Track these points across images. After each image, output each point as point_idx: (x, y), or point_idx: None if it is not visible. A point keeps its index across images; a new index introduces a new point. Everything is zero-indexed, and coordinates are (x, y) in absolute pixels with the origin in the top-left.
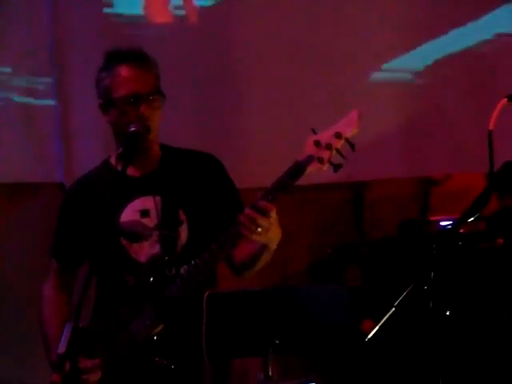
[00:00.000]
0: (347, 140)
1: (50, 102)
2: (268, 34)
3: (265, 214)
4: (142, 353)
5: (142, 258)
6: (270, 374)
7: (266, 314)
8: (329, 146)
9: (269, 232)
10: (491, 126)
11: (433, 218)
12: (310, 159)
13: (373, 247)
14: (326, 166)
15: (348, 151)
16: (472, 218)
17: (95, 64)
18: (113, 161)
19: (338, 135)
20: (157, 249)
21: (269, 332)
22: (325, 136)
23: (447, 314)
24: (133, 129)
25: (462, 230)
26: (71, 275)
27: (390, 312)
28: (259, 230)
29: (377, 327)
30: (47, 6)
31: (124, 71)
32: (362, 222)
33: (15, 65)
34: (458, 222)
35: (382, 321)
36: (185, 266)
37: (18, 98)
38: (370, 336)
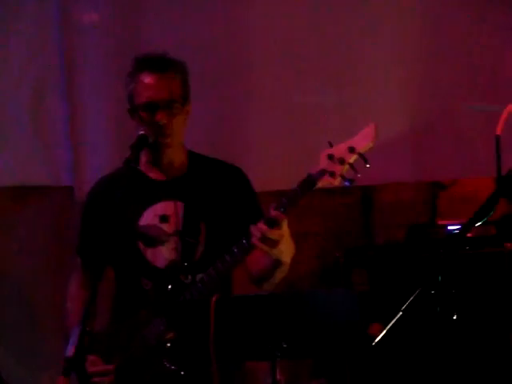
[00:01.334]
0: (361, 155)
1: (60, 106)
2: (278, 38)
3: (276, 225)
4: (153, 358)
5: (159, 263)
6: (278, 378)
7: (273, 318)
8: (341, 161)
9: (280, 244)
10: (499, 131)
11: (441, 223)
12: (322, 173)
13: (381, 251)
14: (337, 181)
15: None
16: (480, 223)
17: (105, 68)
18: (139, 163)
19: (352, 149)
20: (173, 255)
21: (277, 336)
22: (338, 150)
23: (454, 318)
24: (141, 133)
25: (470, 235)
26: (97, 274)
27: (398, 316)
28: (270, 241)
29: (384, 331)
30: (55, 10)
31: (145, 78)
32: (370, 226)
33: (25, 68)
34: (466, 227)
35: (390, 325)
36: (200, 275)
37: (27, 102)
38: (377, 340)
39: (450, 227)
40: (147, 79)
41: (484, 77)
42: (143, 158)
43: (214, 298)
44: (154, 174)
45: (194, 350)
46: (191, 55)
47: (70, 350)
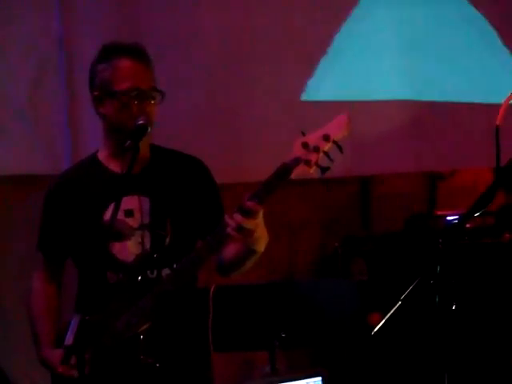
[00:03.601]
0: (335, 142)
1: (59, 94)
2: (270, 30)
3: (251, 215)
4: (127, 351)
5: (125, 257)
6: (277, 367)
7: (272, 307)
8: (316, 149)
9: (255, 233)
10: (498, 121)
11: (439, 213)
12: (296, 161)
13: (379, 241)
14: (312, 169)
15: (356, 145)
16: (478, 213)
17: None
18: (100, 156)
19: (327, 137)
20: (139, 249)
21: (275, 325)
22: (313, 138)
23: (453, 307)
24: (141, 122)
25: (468, 225)
26: (59, 268)
27: (397, 306)
28: (245, 231)
29: (383, 321)
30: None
31: (125, 64)
32: (368, 217)
33: (23, 56)
34: (465, 217)
35: (389, 314)
36: (167, 268)
37: (26, 90)
38: (376, 329)
39: (448, 218)
40: (128, 65)
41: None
42: (104, 150)
43: (212, 287)
44: (115, 167)
45: (169, 341)
46: (187, 46)
47: (69, 339)
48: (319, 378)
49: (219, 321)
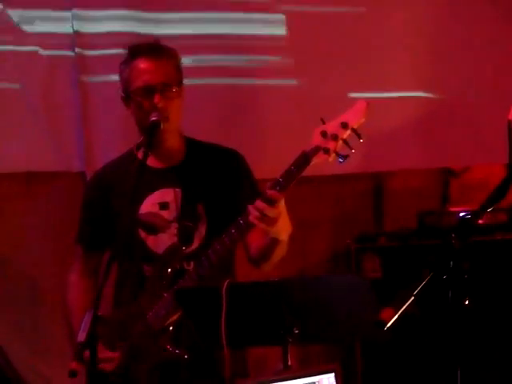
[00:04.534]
0: (354, 130)
1: (71, 91)
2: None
3: (272, 203)
4: (156, 342)
5: (160, 250)
6: (289, 363)
7: (285, 303)
8: (335, 137)
9: (277, 222)
10: (511, 116)
11: (452, 209)
12: (316, 150)
13: (392, 238)
14: (331, 157)
15: (366, 141)
16: (490, 209)
17: (118, 53)
18: (138, 151)
19: (345, 125)
20: (175, 241)
21: (288, 321)
22: (331, 126)
23: (466, 303)
24: (154, 118)
25: (481, 221)
26: (96, 262)
27: (410, 301)
28: (267, 219)
29: (396, 316)
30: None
31: (140, 64)
32: (381, 213)
33: (35, 53)
34: (477, 213)
35: (401, 310)
36: (198, 259)
37: (38, 87)
38: (389, 325)
39: (461, 214)
40: (142, 64)
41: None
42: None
43: (225, 283)
44: (152, 162)
45: (197, 333)
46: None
47: (82, 335)
48: (332, 375)
49: (232, 317)
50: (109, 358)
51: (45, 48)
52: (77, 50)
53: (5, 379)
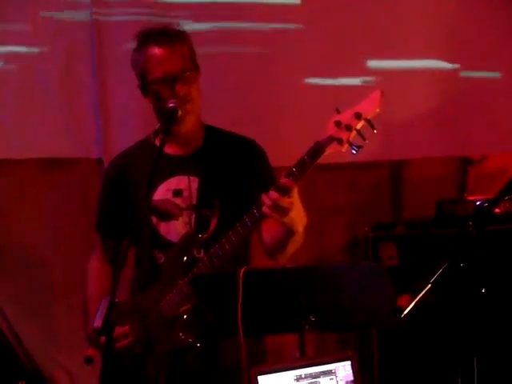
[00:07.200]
0: (368, 121)
1: (89, 78)
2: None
3: (285, 192)
4: (169, 330)
5: (172, 237)
6: (306, 350)
7: (302, 291)
8: (348, 127)
9: (291, 212)
10: None
11: (469, 198)
12: (329, 140)
13: (409, 226)
14: (345, 148)
15: (383, 129)
16: (507, 197)
17: (133, 40)
18: (155, 138)
19: (358, 115)
20: (186, 229)
21: (304, 309)
22: (345, 116)
23: (483, 291)
24: (171, 104)
25: (498, 210)
26: (114, 249)
27: (426, 288)
28: (280, 209)
29: (413, 303)
30: None
31: (155, 52)
32: (398, 201)
33: (53, 42)
34: (494, 201)
35: (418, 297)
36: (213, 248)
37: (56, 74)
38: (406, 312)
39: (478, 203)
40: (158, 53)
41: None
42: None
43: (242, 270)
44: (169, 149)
45: (213, 321)
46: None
47: (98, 321)
48: (348, 362)
49: (248, 304)
50: (123, 333)
51: (62, 35)
52: (95, 36)
53: (24, 372)
